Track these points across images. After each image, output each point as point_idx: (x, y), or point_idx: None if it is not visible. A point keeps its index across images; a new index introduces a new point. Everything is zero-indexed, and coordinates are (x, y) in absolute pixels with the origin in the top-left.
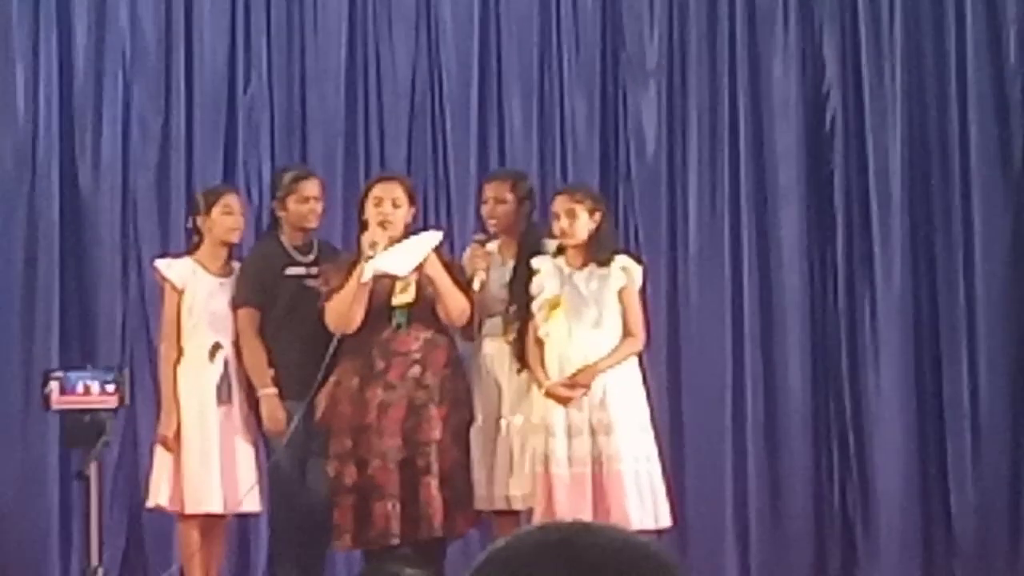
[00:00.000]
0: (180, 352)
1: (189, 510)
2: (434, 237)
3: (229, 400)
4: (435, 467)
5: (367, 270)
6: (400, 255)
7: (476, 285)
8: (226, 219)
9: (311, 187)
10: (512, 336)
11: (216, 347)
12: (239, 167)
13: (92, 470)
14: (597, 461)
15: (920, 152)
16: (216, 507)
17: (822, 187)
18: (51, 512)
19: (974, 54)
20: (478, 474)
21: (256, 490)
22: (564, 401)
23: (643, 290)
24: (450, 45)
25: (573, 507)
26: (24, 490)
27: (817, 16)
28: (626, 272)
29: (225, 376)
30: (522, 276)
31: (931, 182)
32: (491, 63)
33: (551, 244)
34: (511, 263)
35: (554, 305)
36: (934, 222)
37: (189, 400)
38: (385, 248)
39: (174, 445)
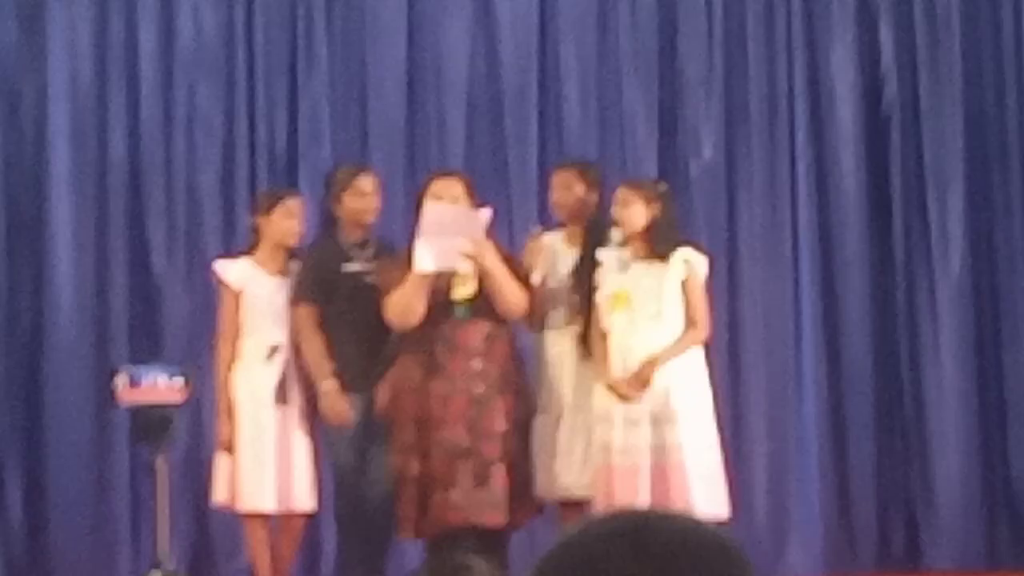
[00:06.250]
0: (238, 353)
1: (243, 509)
2: (479, 221)
3: (286, 400)
4: (500, 457)
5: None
6: (437, 245)
7: (535, 278)
8: (285, 223)
9: (366, 182)
10: (577, 326)
11: (274, 348)
12: (301, 166)
13: (160, 464)
14: (659, 451)
15: (978, 136)
16: (269, 506)
17: (880, 173)
18: (122, 505)
19: None
20: (541, 465)
21: (311, 488)
22: (625, 398)
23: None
24: (508, 40)
25: (629, 496)
26: (96, 484)
27: (873, 2)
28: (688, 264)
29: (283, 377)
30: (587, 267)
31: (990, 166)
32: (549, 58)
33: (617, 234)
34: (577, 252)
35: (618, 298)
36: (993, 207)
37: (244, 400)
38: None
39: (235, 446)
